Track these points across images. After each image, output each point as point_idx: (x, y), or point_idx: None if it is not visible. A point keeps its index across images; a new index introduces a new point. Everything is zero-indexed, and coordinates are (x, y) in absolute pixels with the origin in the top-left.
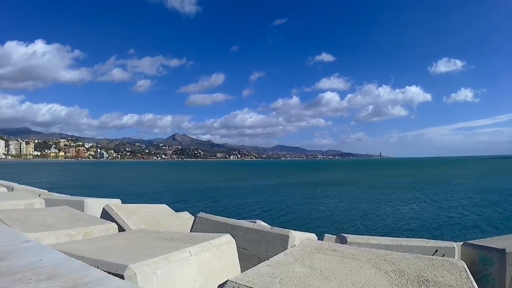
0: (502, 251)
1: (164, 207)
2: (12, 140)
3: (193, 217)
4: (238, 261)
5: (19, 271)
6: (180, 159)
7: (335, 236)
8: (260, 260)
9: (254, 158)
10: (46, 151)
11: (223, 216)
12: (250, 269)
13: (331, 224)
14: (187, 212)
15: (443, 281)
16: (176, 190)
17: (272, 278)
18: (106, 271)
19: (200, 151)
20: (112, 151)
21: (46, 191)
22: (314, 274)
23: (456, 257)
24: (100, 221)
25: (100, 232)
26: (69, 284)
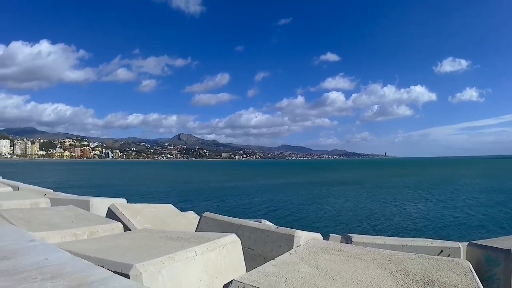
0: (508, 252)
1: (169, 207)
2: (18, 140)
3: (199, 217)
4: (243, 261)
5: (25, 270)
6: (185, 158)
7: (341, 236)
8: (265, 260)
9: (259, 158)
10: (51, 150)
11: (229, 216)
12: (256, 268)
13: (336, 224)
14: (192, 212)
15: (448, 282)
16: (182, 189)
17: (278, 278)
18: (111, 271)
19: (205, 151)
20: (117, 151)
21: (52, 190)
22: (319, 274)
23: (461, 258)
24: (105, 221)
25: (106, 231)
26: (74, 283)
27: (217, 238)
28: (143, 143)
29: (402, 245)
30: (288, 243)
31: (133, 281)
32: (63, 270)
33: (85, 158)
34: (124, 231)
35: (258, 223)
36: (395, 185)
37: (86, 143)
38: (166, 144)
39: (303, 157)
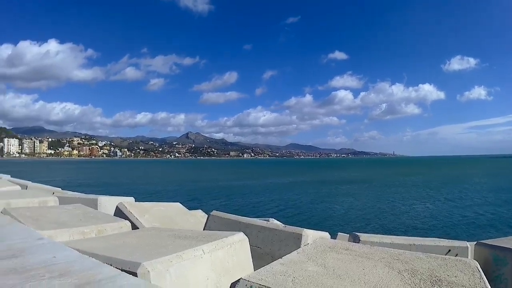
0: None
1: (177, 205)
2: (26, 139)
3: (207, 215)
4: (251, 260)
5: (33, 268)
6: (193, 157)
7: (348, 234)
8: (273, 259)
9: (267, 157)
10: (59, 149)
11: (237, 215)
12: (263, 267)
13: (344, 222)
14: (200, 210)
15: (456, 281)
16: (190, 188)
17: (285, 276)
18: (119, 269)
19: (213, 150)
20: (126, 150)
21: (60, 189)
22: (327, 273)
23: (469, 257)
24: (113, 219)
25: (114, 230)
26: (82, 281)
27: (225, 236)
28: (151, 142)
29: (410, 244)
30: (296, 242)
31: (141, 279)
32: (71, 268)
33: (93, 157)
34: (132, 229)
35: (266, 221)
36: (404, 184)
37: (94, 142)
38: (174, 143)
39: (311, 156)
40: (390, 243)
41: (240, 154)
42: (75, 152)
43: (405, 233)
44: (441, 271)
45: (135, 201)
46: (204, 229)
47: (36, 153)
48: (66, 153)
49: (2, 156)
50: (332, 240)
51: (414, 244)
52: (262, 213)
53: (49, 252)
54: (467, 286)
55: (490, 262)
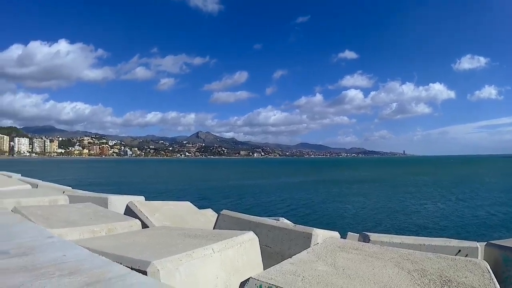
0: None
1: (187, 204)
2: (36, 138)
3: (217, 215)
4: (261, 259)
5: (43, 266)
6: (203, 156)
7: (358, 234)
8: (283, 258)
9: (277, 156)
10: (70, 148)
11: (247, 214)
12: (273, 266)
13: (354, 222)
14: (210, 210)
15: (465, 282)
16: (200, 187)
17: (295, 276)
18: (129, 267)
19: (223, 149)
20: (136, 149)
21: (70, 188)
22: (336, 273)
23: (479, 258)
24: (123, 218)
25: (124, 228)
26: (92, 279)
27: (235, 235)
28: (162, 141)
29: (420, 244)
30: (305, 242)
31: (151, 278)
32: (81, 267)
33: (103, 156)
34: (142, 228)
35: (276, 221)
36: (414, 184)
37: (104, 141)
38: (184, 142)
39: (322, 155)
40: (400, 243)
41: (250, 154)
42: (85, 151)
43: (415, 233)
44: (450, 271)
45: (145, 200)
46: (214, 228)
47: (47, 152)
48: (76, 152)
49: (12, 155)
50: (342, 239)
51: (424, 244)
52: (272, 213)
53: (59, 251)
54: (477, 287)
55: (500, 263)
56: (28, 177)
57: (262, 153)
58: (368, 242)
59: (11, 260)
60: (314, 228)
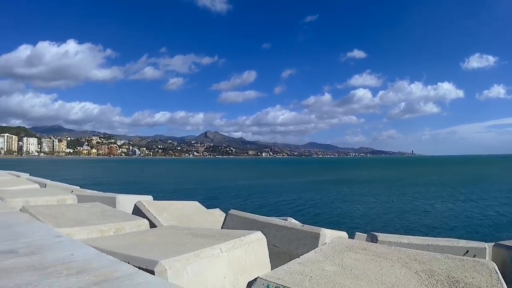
0: None
1: (195, 204)
2: (45, 138)
3: (225, 214)
4: (268, 259)
5: (51, 265)
6: (211, 156)
7: (366, 234)
8: (290, 258)
9: (286, 156)
10: (78, 148)
11: (255, 214)
12: (280, 266)
13: (362, 222)
14: (218, 209)
15: (473, 282)
16: (208, 187)
17: (302, 276)
18: (137, 267)
19: (232, 148)
20: (144, 148)
21: (78, 187)
22: (344, 273)
23: (487, 258)
24: (131, 217)
25: (132, 228)
26: (99, 278)
27: (243, 235)
28: (170, 141)
29: (428, 245)
30: (313, 241)
31: (158, 277)
32: (89, 266)
33: (112, 155)
34: (150, 228)
35: (284, 221)
36: (423, 184)
37: (113, 140)
38: (193, 142)
39: (330, 155)
40: (408, 243)
41: (259, 153)
42: (93, 151)
43: (424, 233)
44: (458, 272)
45: (154, 199)
46: (222, 228)
47: (55, 152)
48: (84, 152)
49: (21, 155)
50: (350, 239)
51: (431, 245)
52: (280, 213)
53: (67, 250)
54: None
55: (508, 264)
56: (36, 176)
57: (271, 153)
58: (376, 242)
59: (19, 259)
60: (322, 228)
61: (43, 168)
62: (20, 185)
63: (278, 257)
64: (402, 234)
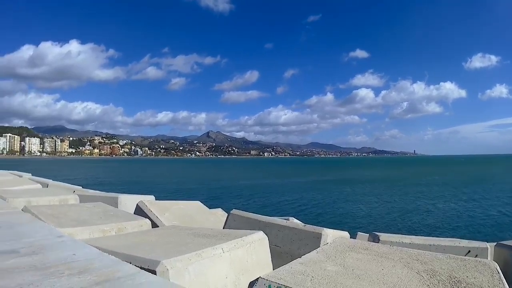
0: None
1: (197, 204)
2: (47, 138)
3: (227, 214)
4: (270, 259)
5: (52, 265)
6: (214, 156)
7: (368, 234)
8: (292, 258)
9: (288, 155)
10: (80, 148)
11: (257, 213)
12: (282, 266)
13: (365, 222)
14: (220, 209)
15: (475, 282)
16: (210, 187)
17: (304, 276)
18: (138, 267)
19: (234, 148)
20: (146, 148)
21: (81, 187)
22: (346, 273)
23: (489, 258)
24: (133, 217)
25: (134, 228)
26: (101, 278)
27: (245, 235)
28: (172, 141)
29: (429, 245)
30: (315, 241)
31: (160, 277)
32: (91, 266)
33: (114, 155)
34: (152, 227)
35: (286, 220)
36: (425, 183)
37: (115, 140)
38: (195, 142)
39: (332, 155)
40: (410, 243)
41: (261, 153)
42: (96, 151)
43: (426, 233)
44: (460, 272)
45: (156, 199)
46: (224, 228)
47: (57, 152)
48: (87, 152)
49: (23, 155)
50: (352, 239)
51: (433, 245)
52: (282, 212)
53: (69, 250)
54: None
55: (510, 264)
56: (38, 176)
57: (273, 153)
58: (377, 242)
59: (21, 259)
60: (324, 228)
61: (45, 168)
62: (22, 185)
63: (280, 257)
64: (404, 234)
